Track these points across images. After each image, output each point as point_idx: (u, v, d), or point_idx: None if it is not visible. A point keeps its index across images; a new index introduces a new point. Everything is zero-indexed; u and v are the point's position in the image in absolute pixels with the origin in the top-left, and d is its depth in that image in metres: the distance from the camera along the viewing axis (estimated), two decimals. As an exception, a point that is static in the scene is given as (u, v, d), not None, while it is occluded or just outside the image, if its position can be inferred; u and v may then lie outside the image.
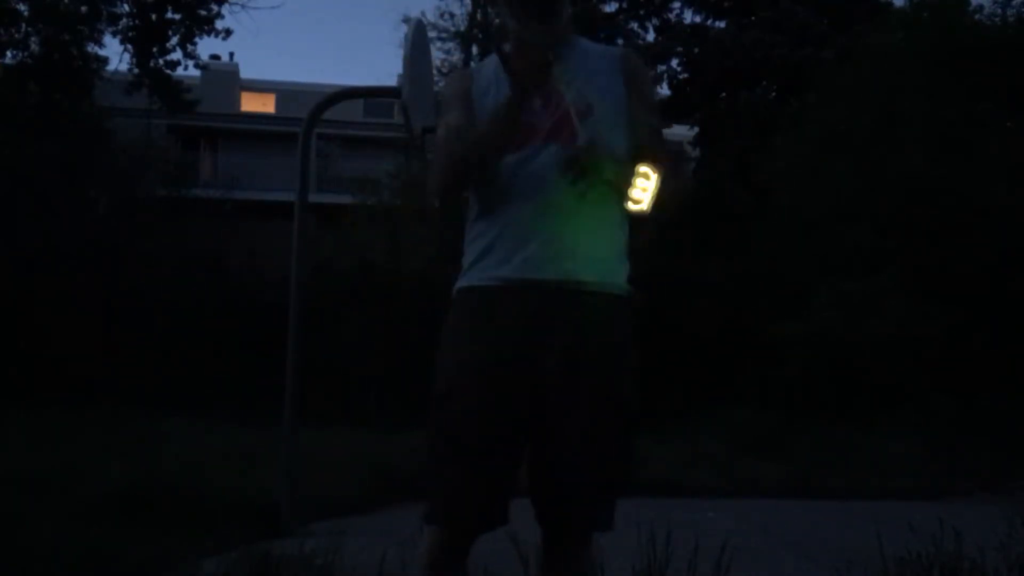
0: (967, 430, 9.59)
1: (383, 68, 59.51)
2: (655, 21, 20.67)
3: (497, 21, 18.14)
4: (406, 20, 22.02)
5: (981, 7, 14.75)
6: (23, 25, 15.57)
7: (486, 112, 2.00)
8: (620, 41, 19.90)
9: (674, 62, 20.05)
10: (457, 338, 1.96)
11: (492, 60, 2.13)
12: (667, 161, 2.05)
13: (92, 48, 16.08)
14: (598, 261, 1.95)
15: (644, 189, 1.87)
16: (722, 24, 19.77)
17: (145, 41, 16.35)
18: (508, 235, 1.92)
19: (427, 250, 14.27)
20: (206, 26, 16.53)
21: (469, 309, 1.96)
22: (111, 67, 16.31)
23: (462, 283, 2.01)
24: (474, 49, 20.94)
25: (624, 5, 20.31)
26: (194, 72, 18.32)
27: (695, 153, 21.08)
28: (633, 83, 2.06)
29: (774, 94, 19.10)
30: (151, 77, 16.52)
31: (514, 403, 1.87)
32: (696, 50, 19.38)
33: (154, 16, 16.36)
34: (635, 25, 20.63)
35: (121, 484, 4.91)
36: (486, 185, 2.00)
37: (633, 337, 2.02)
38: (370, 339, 13.17)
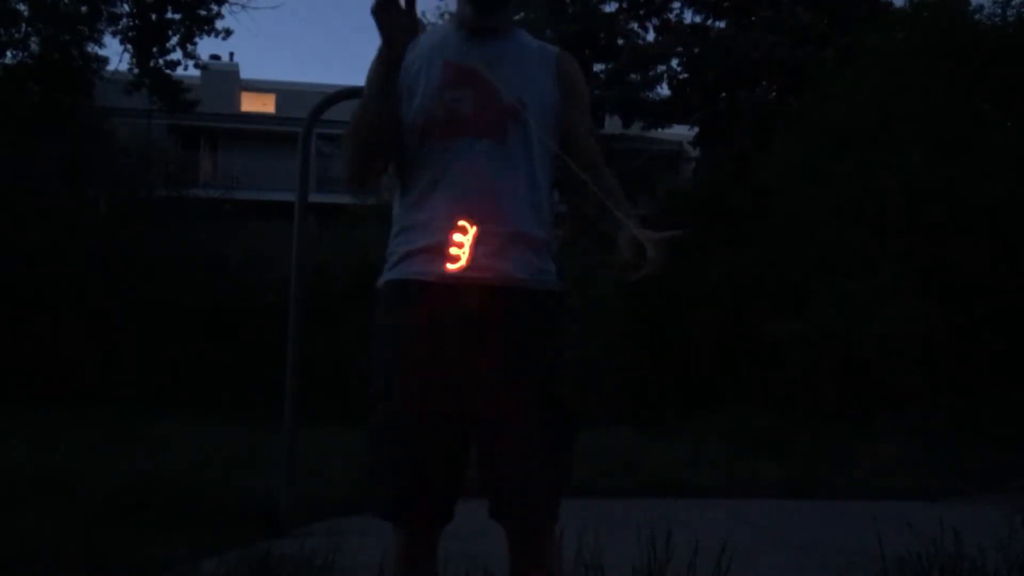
0: (967, 430, 9.59)
1: (383, 68, 59.36)
2: (655, 21, 20.66)
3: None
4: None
5: (981, 7, 14.76)
6: (23, 25, 15.57)
7: (410, 91, 1.98)
8: (620, 41, 19.92)
9: (674, 62, 20.06)
10: (393, 334, 1.94)
11: (431, 34, 2.12)
12: (601, 161, 2.10)
13: (92, 48, 16.10)
14: (532, 258, 1.94)
15: (460, 245, 1.91)
16: (722, 24, 19.77)
17: (145, 41, 16.37)
18: (442, 231, 1.90)
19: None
20: (206, 26, 16.55)
21: (404, 304, 1.93)
22: (111, 67, 16.32)
23: (393, 276, 1.98)
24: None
25: (624, 5, 20.30)
26: (194, 72, 18.34)
27: (695, 153, 21.08)
28: (566, 83, 2.06)
29: (774, 94, 19.10)
30: (151, 77, 16.54)
31: (454, 400, 1.85)
32: (696, 50, 19.38)
33: (154, 16, 16.38)
34: (635, 25, 20.62)
35: (121, 484, 4.91)
36: (405, 171, 1.99)
37: (562, 330, 2.01)
38: (370, 339, 13.14)
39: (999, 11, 14.32)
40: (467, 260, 1.87)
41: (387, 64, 1.88)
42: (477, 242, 1.88)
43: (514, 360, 1.88)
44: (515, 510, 1.91)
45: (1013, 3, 14.19)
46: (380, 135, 1.96)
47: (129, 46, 16.43)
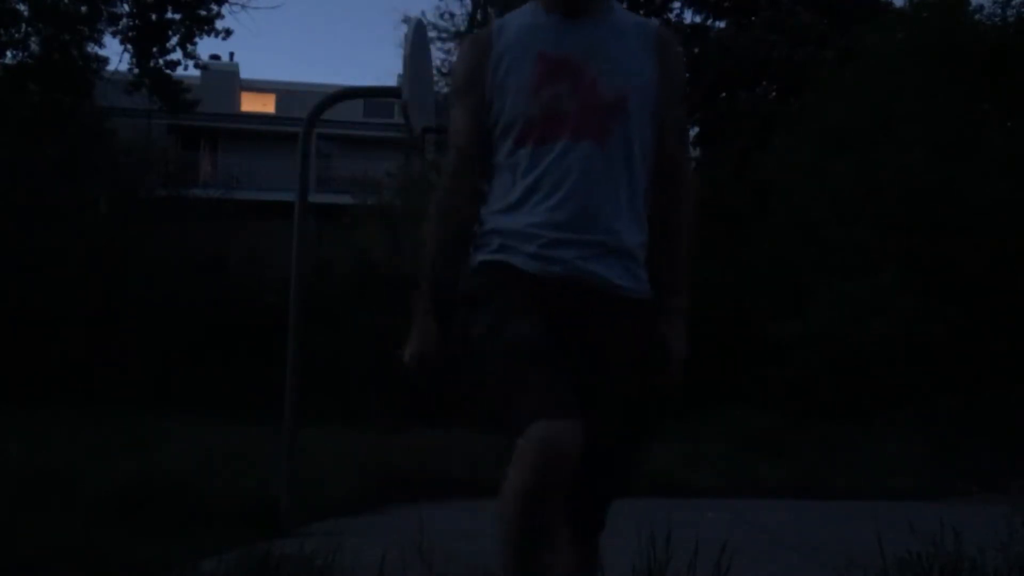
0: (968, 430, 9.60)
1: (383, 68, 59.50)
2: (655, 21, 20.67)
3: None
4: (406, 20, 22.01)
5: (981, 7, 14.79)
6: (23, 25, 15.58)
7: (500, 88, 1.85)
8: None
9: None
10: (500, 287, 1.81)
11: (518, 17, 1.95)
12: (685, 165, 1.99)
13: (92, 48, 16.11)
14: (631, 267, 1.86)
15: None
16: (722, 24, 19.78)
17: (145, 41, 16.37)
18: (539, 240, 1.80)
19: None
20: (206, 26, 16.55)
21: (508, 277, 1.81)
22: (111, 67, 16.33)
23: (496, 257, 1.84)
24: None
25: (624, 5, 20.29)
26: (194, 72, 18.34)
27: (695, 153, 21.11)
28: (665, 68, 1.90)
29: (774, 94, 19.10)
30: (151, 77, 16.53)
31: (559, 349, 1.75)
32: (696, 50, 19.38)
33: (154, 16, 16.38)
34: (635, 25, 20.62)
35: (121, 484, 4.91)
36: (500, 173, 1.88)
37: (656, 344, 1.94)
38: (370, 339, 13.17)
39: (999, 11, 14.36)
40: (565, 268, 1.79)
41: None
42: (576, 249, 1.79)
43: (605, 367, 1.81)
44: (578, 515, 1.84)
45: (1013, 3, 14.22)
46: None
47: (129, 46, 16.43)
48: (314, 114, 5.42)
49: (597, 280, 1.80)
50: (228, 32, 16.85)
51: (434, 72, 8.21)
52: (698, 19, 20.15)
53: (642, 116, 1.85)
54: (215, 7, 16.52)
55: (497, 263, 1.83)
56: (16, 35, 15.61)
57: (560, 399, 1.66)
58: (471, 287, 1.86)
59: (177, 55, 16.61)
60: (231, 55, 28.92)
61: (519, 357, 1.72)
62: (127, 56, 16.55)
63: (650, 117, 1.87)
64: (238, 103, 28.69)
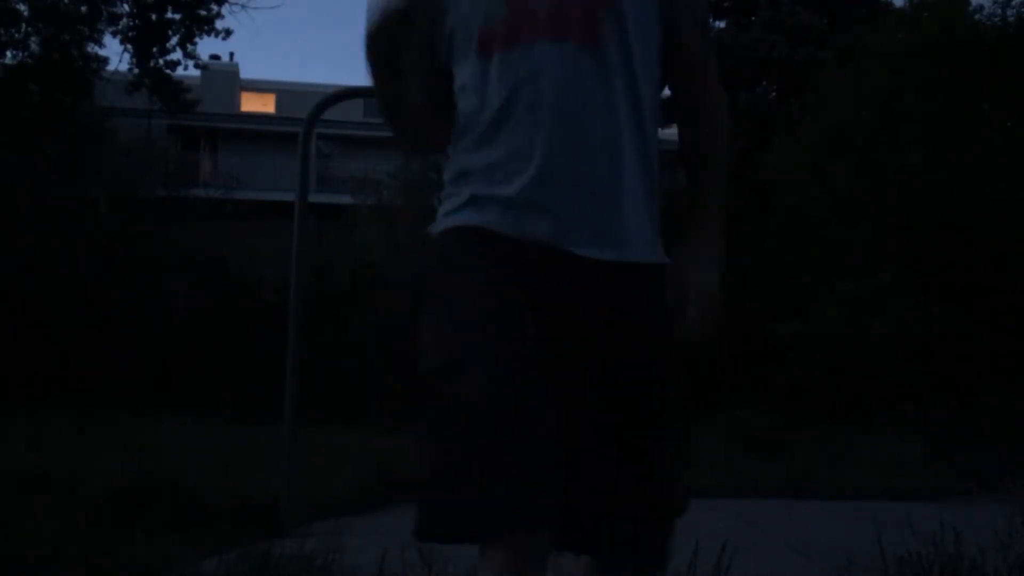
0: (967, 430, 9.59)
1: (383, 68, 59.38)
2: (655, 21, 20.69)
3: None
4: (406, 20, 22.03)
5: (981, 7, 14.77)
6: (23, 25, 15.58)
7: None
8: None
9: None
10: (461, 293, 1.40)
11: None
12: (712, 77, 1.59)
13: (92, 48, 16.12)
14: (638, 220, 1.45)
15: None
16: (722, 24, 19.79)
17: (145, 41, 16.38)
18: (521, 176, 1.40)
19: (427, 250, 14.32)
20: (206, 26, 16.56)
21: (477, 256, 1.42)
22: (111, 67, 16.34)
23: (460, 221, 1.45)
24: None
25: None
26: (194, 72, 18.36)
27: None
28: None
29: (774, 94, 19.10)
30: (151, 77, 16.54)
31: (540, 385, 1.34)
32: (696, 50, 19.39)
33: (154, 16, 16.38)
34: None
35: (121, 484, 4.91)
36: (463, 96, 1.49)
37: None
38: (370, 339, 13.18)
39: (999, 11, 14.35)
40: (556, 222, 1.40)
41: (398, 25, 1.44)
42: (564, 190, 1.40)
43: (615, 354, 1.43)
44: (609, 540, 1.49)
45: (1013, 3, 14.21)
46: (419, 116, 1.56)
47: (129, 46, 16.44)
48: (314, 114, 5.42)
49: (595, 245, 1.41)
50: (228, 32, 16.87)
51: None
52: (698, 19, 20.17)
53: (641, 11, 1.46)
54: (215, 7, 16.54)
55: (465, 231, 1.44)
56: (16, 35, 15.61)
57: (518, 502, 1.27)
58: (433, 258, 1.49)
59: (177, 55, 16.64)
60: (231, 55, 29.01)
61: (469, 424, 1.31)
62: (127, 56, 16.58)
63: (652, 20, 1.48)
64: (238, 103, 28.72)
